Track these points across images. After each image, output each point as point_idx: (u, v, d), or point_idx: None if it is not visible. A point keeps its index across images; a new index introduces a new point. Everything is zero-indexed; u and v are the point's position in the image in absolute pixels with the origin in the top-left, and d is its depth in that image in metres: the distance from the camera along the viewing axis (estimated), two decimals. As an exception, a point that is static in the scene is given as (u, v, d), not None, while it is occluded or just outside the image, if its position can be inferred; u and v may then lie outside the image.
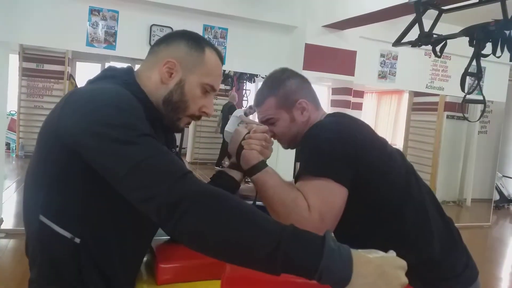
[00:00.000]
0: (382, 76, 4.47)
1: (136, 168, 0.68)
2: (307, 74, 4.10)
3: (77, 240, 0.76)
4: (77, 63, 8.36)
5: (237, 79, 6.85)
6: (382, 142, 1.09)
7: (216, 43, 3.93)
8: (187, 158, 8.42)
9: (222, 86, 8.09)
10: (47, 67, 7.37)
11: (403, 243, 0.98)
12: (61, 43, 3.69)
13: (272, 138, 1.11)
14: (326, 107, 8.94)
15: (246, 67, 4.39)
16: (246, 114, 7.38)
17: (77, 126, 0.73)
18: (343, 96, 8.40)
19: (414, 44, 2.70)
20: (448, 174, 6.48)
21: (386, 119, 10.32)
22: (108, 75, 0.89)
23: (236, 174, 1.09)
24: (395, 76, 4.49)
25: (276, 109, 1.17)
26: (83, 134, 0.72)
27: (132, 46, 3.67)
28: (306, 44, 3.89)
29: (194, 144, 8.29)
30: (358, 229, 1.02)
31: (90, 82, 0.88)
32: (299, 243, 0.62)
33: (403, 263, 0.66)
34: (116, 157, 0.69)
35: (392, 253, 0.69)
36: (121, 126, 0.71)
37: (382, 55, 4.41)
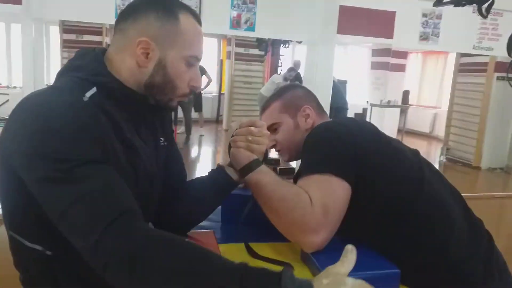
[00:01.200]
0: (424, 37, 4.17)
1: (65, 214, 0.64)
2: (342, 38, 3.92)
3: (49, 252, 0.76)
4: (116, 32, 8.48)
5: (272, 44, 6.67)
6: (387, 140, 1.03)
7: (245, 10, 3.80)
8: (224, 126, 8.48)
9: (256, 52, 7.96)
10: (86, 37, 7.53)
11: (413, 244, 0.92)
12: (91, 17, 3.71)
13: (267, 134, 1.00)
14: (367, 70, 8.61)
15: (277, 33, 4.24)
16: (285, 79, 7.25)
17: (14, 154, 0.69)
18: (384, 58, 8.07)
19: (457, 3, 2.48)
20: (495, 140, 6.12)
21: (432, 81, 9.80)
22: (74, 65, 0.81)
23: (232, 172, 1.00)
24: (438, 37, 4.17)
25: (280, 113, 1.15)
26: (20, 165, 0.68)
27: (160, 16, 3.63)
28: (340, 6, 3.68)
29: (230, 112, 8.29)
30: (367, 231, 0.95)
31: (59, 74, 0.81)
32: None
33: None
34: (48, 199, 0.66)
35: (352, 252, 0.64)
36: (54, 158, 0.66)
37: (424, 15, 4.09)
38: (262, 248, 0.97)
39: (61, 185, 0.65)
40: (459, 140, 6.66)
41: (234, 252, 0.97)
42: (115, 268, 0.61)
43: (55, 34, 7.63)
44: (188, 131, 6.77)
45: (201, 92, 7.20)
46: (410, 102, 9.61)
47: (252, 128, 0.97)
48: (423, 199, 0.94)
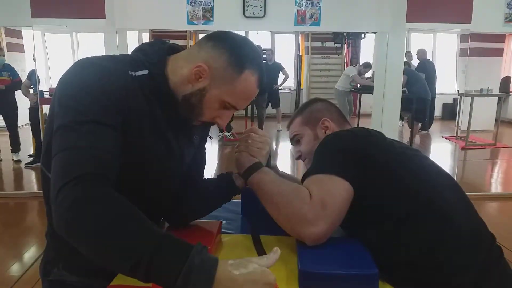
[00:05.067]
0: (510, 19, 3.76)
1: (55, 157, 0.72)
2: (412, 26, 3.72)
3: None
4: (200, 35, 9.00)
5: (347, 36, 6.51)
6: (393, 146, 1.04)
7: (310, 5, 3.80)
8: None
9: (333, 44, 7.82)
10: (172, 41, 8.07)
11: (401, 246, 0.90)
12: (164, 24, 4.03)
13: (262, 137, 1.05)
14: (455, 57, 7.91)
15: (344, 25, 4.15)
16: (360, 74, 7.05)
17: (56, 100, 0.78)
18: (475, 43, 7.36)
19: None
20: None
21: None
22: (141, 48, 0.90)
23: (237, 179, 1.06)
24: (527, 17, 3.74)
25: (301, 125, 1.26)
26: (56, 111, 0.77)
27: (228, 20, 3.81)
28: (409, -7, 3.50)
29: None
30: (365, 229, 0.96)
31: (133, 50, 0.92)
32: (162, 259, 0.64)
33: (270, 278, 0.65)
34: (55, 142, 0.74)
35: (275, 253, 0.68)
36: (77, 110, 0.74)
37: (509, -6, 3.70)
38: (270, 241, 1.02)
39: (67, 133, 0.73)
40: None
41: (240, 242, 1.06)
42: (66, 209, 0.66)
43: (146, 39, 8.35)
44: (259, 127, 6.94)
45: (279, 88, 7.32)
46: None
47: (252, 134, 1.05)
48: (423, 213, 0.92)
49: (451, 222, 0.91)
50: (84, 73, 0.79)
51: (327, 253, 0.89)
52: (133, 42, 5.31)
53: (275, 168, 1.25)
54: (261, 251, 0.98)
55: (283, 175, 1.23)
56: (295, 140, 1.29)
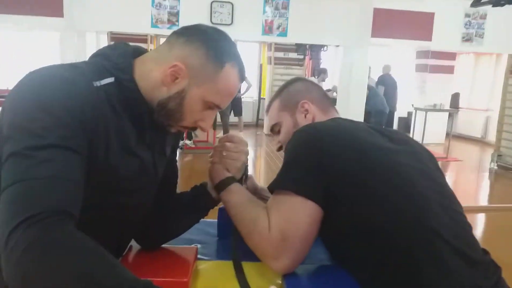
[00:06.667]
0: (466, 38, 3.95)
1: (5, 190, 0.60)
2: (376, 41, 3.80)
3: None
4: (161, 39, 8.80)
5: (310, 48, 6.60)
6: (368, 148, 0.88)
7: (278, 15, 3.79)
8: (264, 130, 8.49)
9: (296, 56, 7.91)
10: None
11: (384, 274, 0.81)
12: (127, 27, 3.87)
13: (242, 148, 0.96)
14: (411, 72, 8.25)
15: (310, 37, 4.19)
16: (323, 80, 7.17)
17: (5, 124, 0.65)
18: (429, 60, 7.72)
19: (495, 3, 2.32)
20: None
21: (485, 83, 9.23)
22: (103, 52, 0.79)
23: (212, 190, 0.97)
24: (482, 38, 3.94)
25: (280, 111, 1.08)
26: (5, 136, 0.64)
27: (194, 25, 3.72)
28: (374, 9, 3.58)
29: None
30: (349, 255, 0.88)
31: (90, 56, 0.81)
32: None
33: None
34: (4, 173, 0.62)
35: None
36: (33, 133, 0.62)
37: (467, 15, 3.88)
38: (253, 268, 0.92)
39: (20, 161, 0.61)
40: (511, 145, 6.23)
41: (218, 270, 0.96)
42: (11, 268, 0.56)
43: (104, 42, 8.02)
44: (224, 134, 6.85)
45: (241, 96, 7.27)
46: (460, 105, 9.12)
47: (228, 144, 0.96)
48: (404, 226, 0.81)
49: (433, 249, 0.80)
50: (42, 86, 0.66)
51: (316, 282, 0.83)
52: (89, 44, 5.07)
53: (250, 179, 1.15)
54: (243, 282, 0.89)
55: (255, 189, 1.13)
56: (275, 131, 1.11)
